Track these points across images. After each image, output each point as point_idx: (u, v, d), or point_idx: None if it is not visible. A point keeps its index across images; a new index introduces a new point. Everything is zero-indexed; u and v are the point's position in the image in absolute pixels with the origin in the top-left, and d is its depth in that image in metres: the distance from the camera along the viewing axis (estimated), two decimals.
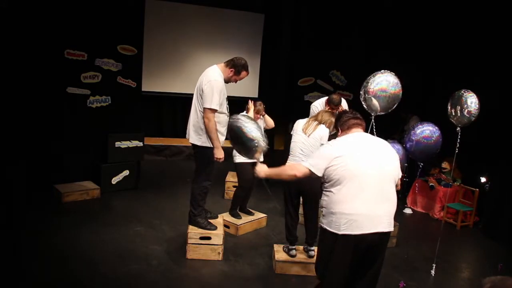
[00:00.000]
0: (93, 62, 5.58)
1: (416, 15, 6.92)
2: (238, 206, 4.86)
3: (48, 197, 5.21)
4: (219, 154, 3.74)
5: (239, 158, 4.61)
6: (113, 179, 5.69)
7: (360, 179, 2.42)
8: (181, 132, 8.69)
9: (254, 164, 4.59)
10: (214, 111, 3.64)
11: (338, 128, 2.77)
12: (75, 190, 5.27)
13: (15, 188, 4.98)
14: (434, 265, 4.10)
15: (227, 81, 3.83)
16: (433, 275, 4.07)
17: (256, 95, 8.57)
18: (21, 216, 4.56)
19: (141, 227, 4.58)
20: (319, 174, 2.53)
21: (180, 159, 7.95)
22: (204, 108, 3.65)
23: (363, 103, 4.12)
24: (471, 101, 3.93)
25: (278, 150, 8.17)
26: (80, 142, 5.61)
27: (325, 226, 2.52)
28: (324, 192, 2.58)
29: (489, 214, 5.48)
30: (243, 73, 3.82)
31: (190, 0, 8.04)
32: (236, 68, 3.77)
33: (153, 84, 7.91)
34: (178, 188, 6.11)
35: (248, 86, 8.43)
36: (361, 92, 4.10)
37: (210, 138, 3.71)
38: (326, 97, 5.33)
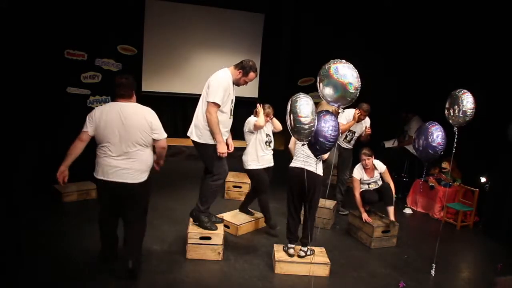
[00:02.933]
0: (93, 62, 5.59)
1: (416, 15, 6.92)
2: (247, 206, 4.90)
3: (48, 197, 5.21)
4: (221, 148, 3.75)
5: (251, 165, 4.54)
6: None
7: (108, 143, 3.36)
8: (181, 132, 8.67)
9: (266, 169, 4.54)
10: (217, 106, 3.68)
11: None
12: (75, 190, 5.26)
13: (15, 188, 4.98)
14: (434, 265, 4.10)
15: (236, 83, 3.89)
16: (433, 275, 4.07)
17: (256, 95, 8.57)
18: (21, 216, 4.56)
19: None
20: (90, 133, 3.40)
21: (180, 159, 7.94)
22: (207, 102, 3.70)
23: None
24: (467, 101, 3.95)
25: (278, 150, 8.16)
26: None
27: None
28: None
29: (489, 214, 5.48)
30: (251, 74, 3.87)
31: (190, 0, 8.04)
32: (244, 70, 3.82)
33: (153, 84, 7.89)
34: (178, 188, 6.11)
35: (248, 86, 8.36)
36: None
37: (211, 132, 3.73)
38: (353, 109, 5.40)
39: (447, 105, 4.12)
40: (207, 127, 3.75)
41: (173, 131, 8.60)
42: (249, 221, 4.78)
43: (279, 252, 3.97)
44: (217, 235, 3.96)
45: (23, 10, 4.97)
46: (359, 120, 5.36)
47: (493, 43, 5.75)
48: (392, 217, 4.76)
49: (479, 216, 5.73)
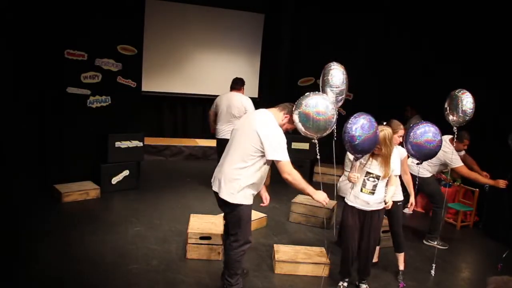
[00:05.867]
0: (93, 62, 5.58)
1: (417, 14, 6.92)
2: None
3: (48, 197, 5.21)
4: (320, 197, 3.08)
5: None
6: (113, 179, 5.69)
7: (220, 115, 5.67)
8: (181, 132, 8.70)
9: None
10: (289, 163, 3.02)
11: None
12: (75, 190, 5.27)
13: (15, 188, 4.98)
14: (434, 265, 4.10)
15: None
16: (433, 275, 4.08)
17: (256, 95, 8.57)
18: (21, 216, 4.56)
19: (141, 227, 4.59)
20: None
21: (180, 159, 7.95)
22: (278, 162, 3.00)
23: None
24: (467, 101, 3.94)
25: None
26: (80, 142, 5.61)
27: None
28: None
29: (489, 214, 5.48)
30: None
31: (190, 0, 8.04)
32: (292, 116, 3.14)
33: (153, 84, 7.90)
34: (178, 188, 6.12)
35: (248, 86, 8.42)
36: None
37: (301, 189, 3.08)
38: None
39: (446, 105, 4.13)
40: (241, 184, 3.05)
41: (173, 131, 8.62)
42: None
43: (279, 252, 3.97)
44: (217, 235, 3.96)
45: (23, 10, 4.97)
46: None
47: (495, 44, 5.75)
48: (401, 266, 4.03)
49: (479, 216, 5.74)
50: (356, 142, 3.09)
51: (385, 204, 3.49)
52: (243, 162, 3.05)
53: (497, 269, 4.28)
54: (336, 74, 3.57)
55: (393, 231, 4.00)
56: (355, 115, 3.17)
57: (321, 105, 3.00)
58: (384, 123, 3.81)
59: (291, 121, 3.16)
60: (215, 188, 3.19)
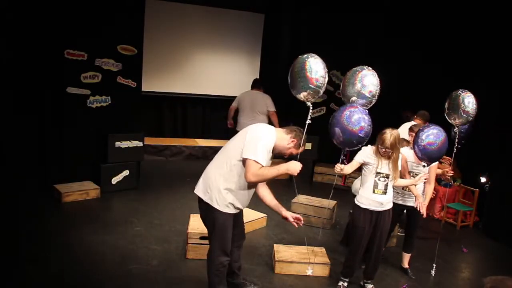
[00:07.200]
0: (93, 62, 5.57)
1: (417, 14, 6.92)
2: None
3: (48, 197, 5.21)
4: (294, 167, 2.82)
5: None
6: (113, 179, 5.68)
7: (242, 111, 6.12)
8: (181, 132, 8.69)
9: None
10: (259, 164, 2.77)
11: None
12: (75, 190, 5.27)
13: (15, 188, 4.98)
14: (434, 265, 4.11)
15: (279, 150, 2.99)
16: (433, 275, 4.08)
17: None
18: (21, 216, 4.56)
19: (141, 227, 4.59)
20: None
21: (180, 159, 7.95)
22: (248, 161, 2.78)
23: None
24: (468, 101, 3.94)
25: None
26: (80, 142, 5.61)
27: None
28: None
29: (489, 214, 5.48)
30: (302, 148, 3.04)
31: (190, 0, 8.04)
32: (299, 140, 2.98)
33: (153, 84, 7.90)
34: (178, 188, 6.11)
35: (248, 86, 8.43)
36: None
37: (274, 176, 2.86)
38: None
39: (446, 105, 4.12)
40: (218, 186, 2.91)
41: (173, 131, 8.62)
42: (249, 221, 4.77)
43: (279, 252, 3.97)
44: None
45: (23, 10, 4.97)
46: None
47: (495, 43, 5.75)
48: (407, 264, 4.17)
49: (479, 216, 5.74)
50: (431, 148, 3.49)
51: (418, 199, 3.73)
52: (225, 164, 2.90)
53: (496, 269, 4.28)
54: (371, 79, 3.64)
55: (411, 232, 4.11)
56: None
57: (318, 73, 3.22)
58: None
59: (297, 146, 2.97)
60: (196, 187, 3.07)
